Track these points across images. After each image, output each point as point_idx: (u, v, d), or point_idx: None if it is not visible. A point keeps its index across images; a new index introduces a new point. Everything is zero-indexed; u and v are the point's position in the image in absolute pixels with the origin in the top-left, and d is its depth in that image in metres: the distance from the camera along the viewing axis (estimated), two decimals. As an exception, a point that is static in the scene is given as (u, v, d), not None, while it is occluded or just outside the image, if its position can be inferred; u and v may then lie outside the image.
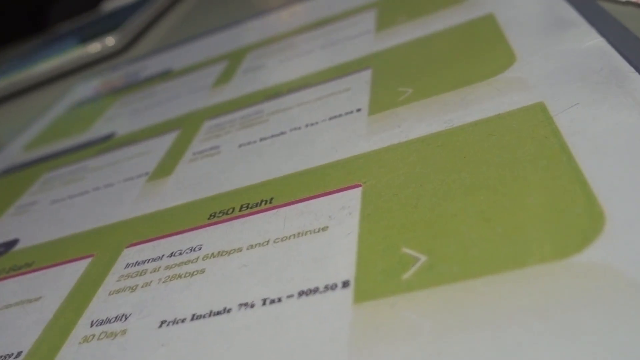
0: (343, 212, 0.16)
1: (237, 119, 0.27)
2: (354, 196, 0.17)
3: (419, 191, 0.16)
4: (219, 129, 0.27)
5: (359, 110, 0.22)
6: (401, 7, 0.32)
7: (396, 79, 0.24)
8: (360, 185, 0.17)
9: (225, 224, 0.18)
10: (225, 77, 0.33)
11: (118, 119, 0.35)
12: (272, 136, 0.23)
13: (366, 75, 0.25)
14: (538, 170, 0.15)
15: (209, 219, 0.19)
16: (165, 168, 0.25)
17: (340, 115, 0.23)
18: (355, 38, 0.31)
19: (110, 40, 0.54)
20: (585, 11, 0.22)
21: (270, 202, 0.19)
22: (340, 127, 0.22)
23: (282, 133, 0.23)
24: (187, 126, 0.29)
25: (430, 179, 0.16)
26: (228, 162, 0.23)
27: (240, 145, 0.24)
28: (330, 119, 0.23)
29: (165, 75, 0.40)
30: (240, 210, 0.19)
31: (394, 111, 0.21)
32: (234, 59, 0.36)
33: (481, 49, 0.23)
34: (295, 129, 0.23)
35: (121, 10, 0.69)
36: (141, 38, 0.58)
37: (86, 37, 0.60)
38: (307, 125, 0.23)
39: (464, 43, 0.24)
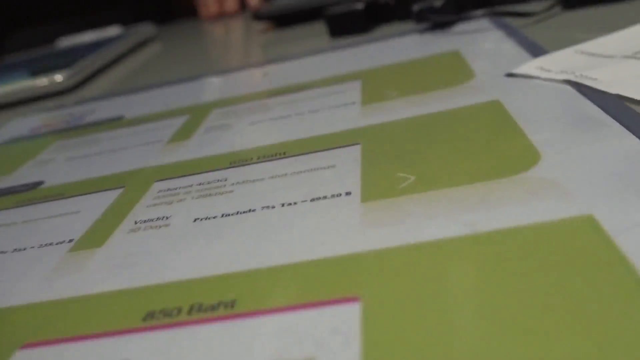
0: (335, 338, 0.12)
1: (194, 184, 0.22)
2: (350, 315, 0.12)
3: (443, 319, 0.12)
4: (171, 194, 0.22)
5: (348, 193, 0.18)
6: (389, 82, 0.29)
7: (393, 161, 0.20)
8: (357, 300, 0.13)
9: (167, 331, 0.14)
10: (184, 133, 0.29)
11: (50, 165, 0.29)
12: (238, 213, 0.19)
13: (354, 152, 0.21)
14: (615, 319, 0.11)
15: (144, 320, 0.14)
16: (95, 236, 0.20)
17: (324, 197, 0.18)
18: (339, 108, 0.27)
19: (58, 77, 0.49)
20: (612, 111, 0.19)
21: (232, 307, 0.14)
22: (326, 213, 0.17)
23: (251, 210, 0.19)
24: (132, 185, 0.24)
25: (458, 304, 0.12)
26: (179, 239, 0.18)
27: (196, 220, 0.19)
28: (313, 200, 0.19)
29: (115, 122, 0.35)
30: (189, 313, 0.14)
31: (394, 201, 0.17)
32: (196, 114, 0.32)
33: (494, 138, 0.20)
34: (267, 207, 0.19)
35: (77, 49, 0.65)
36: (94, 79, 0.53)
37: (34, 70, 0.55)
38: (283, 205, 0.19)
39: (470, 129, 0.21)
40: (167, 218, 0.20)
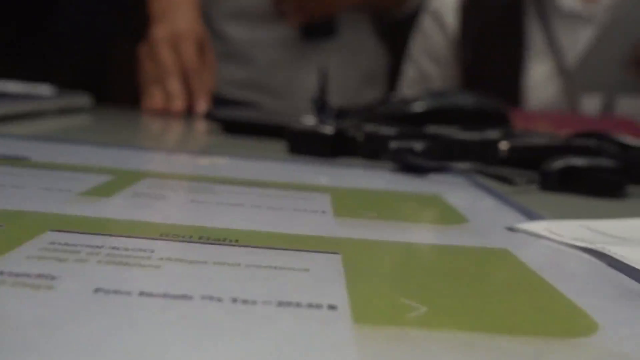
0: None
1: (105, 246, 0.16)
2: None
3: None
4: (68, 250, 0.15)
5: (332, 307, 0.13)
6: (363, 203, 0.25)
7: (389, 283, 0.15)
8: None
9: None
10: (104, 190, 0.23)
11: None
12: (165, 296, 0.13)
13: (334, 261, 0.16)
14: None
15: None
16: None
17: (298, 305, 0.13)
18: (306, 212, 0.22)
19: (-36, 105, 0.41)
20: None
21: None
22: (303, 326, 0.12)
23: (186, 297, 0.13)
24: (14, 226, 0.17)
25: None
26: (66, 311, 0.11)
27: (98, 290, 0.13)
28: (280, 304, 0.13)
29: (16, 161, 0.28)
30: None
31: (406, 334, 0.12)
32: (123, 177, 0.26)
33: (522, 289, 0.15)
34: (211, 298, 0.13)
35: (-2, 92, 0.57)
36: (7, 123, 0.46)
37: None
38: (235, 300, 0.13)
39: (485, 271, 0.17)
40: (53, 278, 0.13)
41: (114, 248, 0.16)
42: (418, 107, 0.50)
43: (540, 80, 0.68)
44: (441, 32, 0.87)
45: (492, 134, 0.36)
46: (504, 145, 0.35)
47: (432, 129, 0.39)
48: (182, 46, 0.73)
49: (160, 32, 0.74)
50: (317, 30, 0.88)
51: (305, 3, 0.85)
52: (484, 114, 0.47)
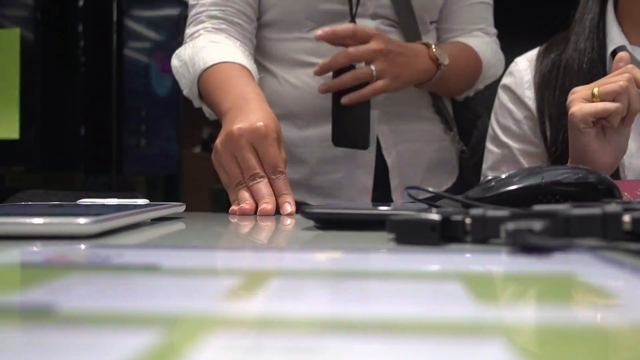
0: None
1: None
2: None
3: None
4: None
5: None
6: (501, 287, 0.24)
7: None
8: None
9: None
10: (243, 290, 0.23)
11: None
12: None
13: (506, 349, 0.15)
14: None
15: None
16: None
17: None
18: (448, 298, 0.21)
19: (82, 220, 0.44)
20: None
21: None
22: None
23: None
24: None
25: None
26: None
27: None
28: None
29: (149, 270, 0.29)
30: None
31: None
32: (252, 278, 0.26)
33: None
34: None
35: (102, 205, 0.61)
36: (115, 233, 0.48)
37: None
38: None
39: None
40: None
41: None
42: (522, 185, 0.49)
43: (634, 148, 0.66)
44: (521, 108, 0.85)
45: (612, 207, 0.34)
46: (627, 218, 0.34)
47: (543, 207, 0.38)
48: (263, 144, 0.69)
49: (237, 130, 0.70)
50: (349, 140, 0.86)
51: (392, 63, 0.80)
52: (590, 188, 0.45)
